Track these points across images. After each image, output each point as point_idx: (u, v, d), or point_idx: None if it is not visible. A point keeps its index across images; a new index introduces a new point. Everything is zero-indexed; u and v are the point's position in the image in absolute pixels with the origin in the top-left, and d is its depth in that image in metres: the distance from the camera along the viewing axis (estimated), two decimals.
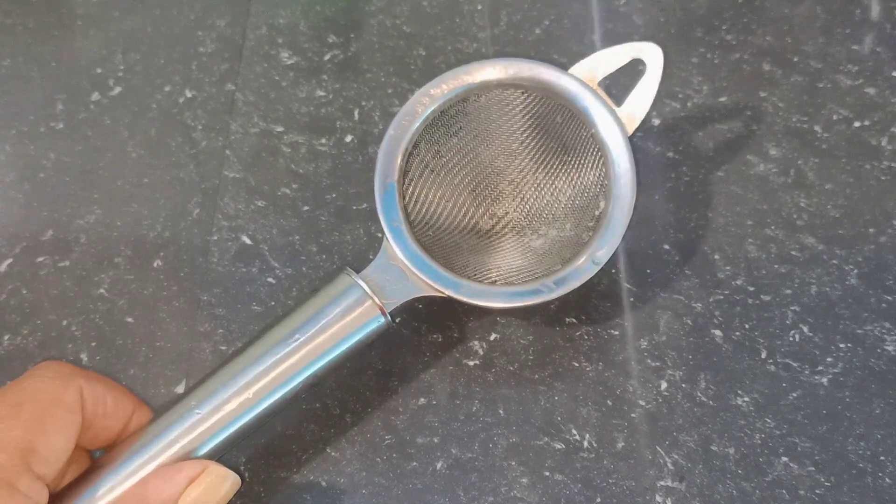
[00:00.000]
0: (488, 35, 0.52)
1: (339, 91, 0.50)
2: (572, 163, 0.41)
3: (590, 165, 0.41)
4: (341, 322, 0.35)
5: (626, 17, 0.52)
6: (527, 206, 0.43)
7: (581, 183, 0.41)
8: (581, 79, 0.39)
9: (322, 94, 0.50)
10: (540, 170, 0.42)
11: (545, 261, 0.40)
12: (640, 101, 0.39)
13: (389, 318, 0.36)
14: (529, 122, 0.41)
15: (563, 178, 0.42)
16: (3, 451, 0.28)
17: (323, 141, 0.48)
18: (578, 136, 0.40)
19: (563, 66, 0.51)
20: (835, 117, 0.48)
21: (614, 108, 0.39)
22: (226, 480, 0.32)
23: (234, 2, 0.53)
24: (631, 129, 0.39)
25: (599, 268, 0.38)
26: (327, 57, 0.51)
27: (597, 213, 0.40)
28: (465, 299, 0.37)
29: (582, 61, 0.40)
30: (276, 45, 0.52)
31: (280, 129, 0.49)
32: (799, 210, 0.45)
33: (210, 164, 0.48)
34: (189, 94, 0.50)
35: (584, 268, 0.38)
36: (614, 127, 0.39)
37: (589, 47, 0.51)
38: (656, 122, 0.48)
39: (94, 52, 0.52)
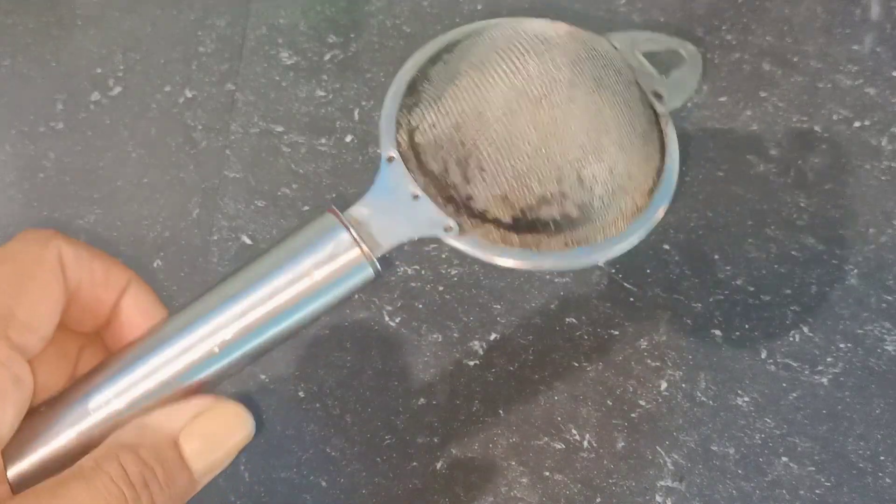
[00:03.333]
0: None
1: (339, 91, 0.50)
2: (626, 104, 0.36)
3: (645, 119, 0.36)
4: (321, 273, 0.30)
5: (626, 17, 0.52)
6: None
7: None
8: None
9: (322, 94, 0.50)
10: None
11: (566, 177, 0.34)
12: (685, 79, 0.36)
13: (378, 266, 0.31)
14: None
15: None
16: None
17: (323, 141, 0.48)
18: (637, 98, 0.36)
19: None
20: (835, 117, 0.48)
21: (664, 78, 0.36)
22: (235, 415, 0.28)
23: (234, 2, 0.53)
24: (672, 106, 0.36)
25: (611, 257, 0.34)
26: (327, 57, 0.51)
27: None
28: (469, 250, 0.32)
29: (623, 33, 0.37)
30: (276, 45, 0.52)
31: (280, 129, 0.49)
32: (799, 210, 0.45)
33: (210, 164, 0.48)
34: (189, 94, 0.50)
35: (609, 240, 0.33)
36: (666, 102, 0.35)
37: None
38: None
39: (94, 52, 0.52)
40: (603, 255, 0.33)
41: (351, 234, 0.31)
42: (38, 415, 0.28)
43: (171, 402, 0.28)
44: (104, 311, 0.29)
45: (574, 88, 0.34)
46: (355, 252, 0.30)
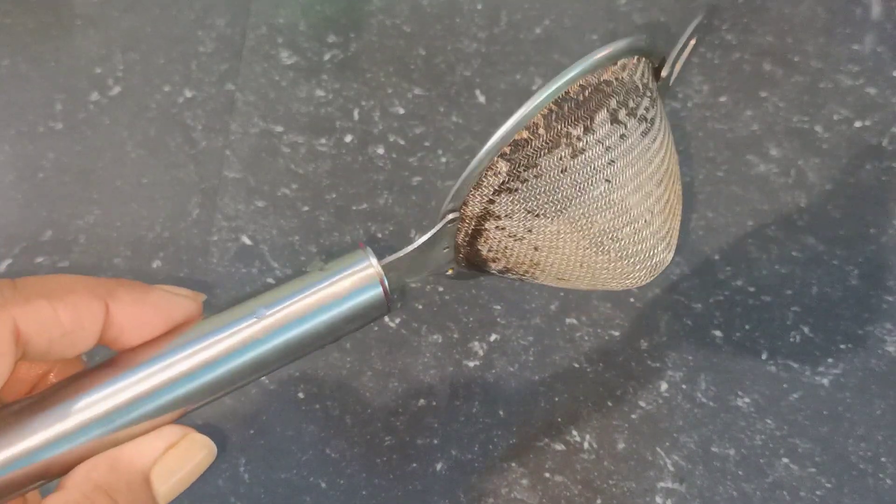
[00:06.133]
0: (488, 34, 0.52)
1: (338, 91, 0.50)
2: None
3: None
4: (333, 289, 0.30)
5: (626, 17, 0.52)
6: None
7: None
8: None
9: (322, 94, 0.50)
10: None
11: None
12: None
13: (387, 284, 0.31)
14: None
15: None
16: None
17: (323, 141, 0.48)
18: None
19: (565, 67, 0.51)
20: (835, 117, 0.48)
21: None
22: (203, 448, 0.29)
23: (234, 2, 0.53)
24: None
25: None
26: (327, 57, 0.51)
27: None
28: None
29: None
30: (275, 45, 0.52)
31: (280, 129, 0.49)
32: (800, 210, 0.45)
33: (210, 164, 0.48)
34: (189, 94, 0.50)
35: None
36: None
37: (589, 47, 0.50)
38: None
39: (93, 52, 0.52)
40: None
41: (370, 258, 0.30)
42: (13, 409, 0.27)
43: (150, 427, 0.28)
44: (88, 343, 0.29)
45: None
46: (370, 270, 0.30)
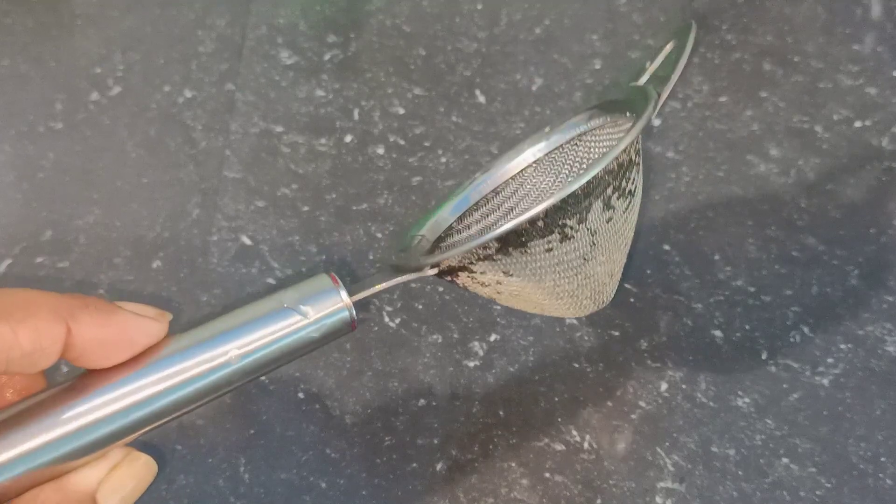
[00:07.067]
0: (488, 34, 0.52)
1: (338, 91, 0.50)
2: None
3: None
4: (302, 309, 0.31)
5: (626, 17, 0.52)
6: None
7: None
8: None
9: (322, 94, 0.50)
10: None
11: None
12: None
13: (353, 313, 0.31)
14: None
15: None
16: None
17: (323, 141, 0.48)
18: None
19: (565, 67, 0.51)
20: (836, 117, 0.48)
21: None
22: (144, 466, 0.30)
23: (234, 2, 0.53)
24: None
25: None
26: (327, 57, 0.51)
27: None
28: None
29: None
30: (275, 45, 0.52)
31: (280, 129, 0.49)
32: (800, 210, 0.45)
33: (210, 164, 0.48)
34: (189, 94, 0.50)
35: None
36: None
37: (589, 47, 0.50)
38: (656, 122, 0.47)
39: (93, 52, 0.52)
40: None
41: (340, 292, 0.31)
42: None
43: (106, 452, 0.29)
44: (48, 363, 0.28)
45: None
46: (340, 303, 0.31)
